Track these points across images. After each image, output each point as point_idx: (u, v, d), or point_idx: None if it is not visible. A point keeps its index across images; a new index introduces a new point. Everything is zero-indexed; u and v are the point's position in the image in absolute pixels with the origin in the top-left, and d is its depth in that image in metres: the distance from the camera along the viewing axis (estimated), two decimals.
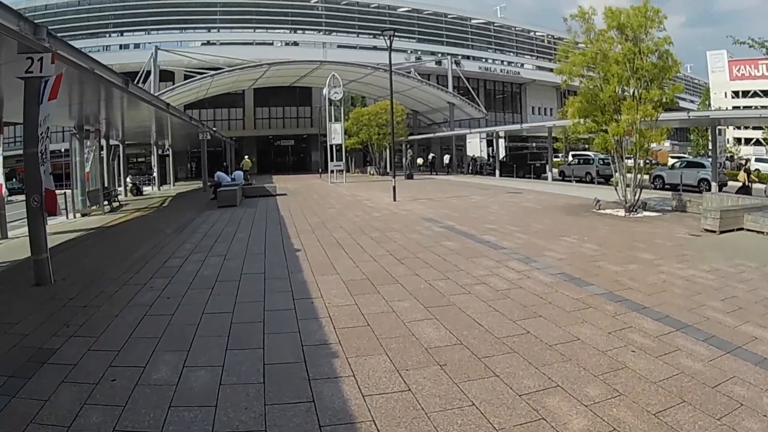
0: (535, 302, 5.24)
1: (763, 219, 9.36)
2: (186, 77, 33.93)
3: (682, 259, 7.23)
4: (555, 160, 34.78)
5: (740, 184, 17.93)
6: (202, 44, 41.88)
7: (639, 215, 11.93)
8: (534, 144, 51.86)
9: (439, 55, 48.37)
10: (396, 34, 17.48)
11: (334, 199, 17.49)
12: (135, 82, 34.40)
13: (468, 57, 51.87)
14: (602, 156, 31.85)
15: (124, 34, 41.91)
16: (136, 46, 41.04)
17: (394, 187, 16.05)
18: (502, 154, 37.04)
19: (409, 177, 29.87)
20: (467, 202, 15.21)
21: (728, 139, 49.78)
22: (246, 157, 35.25)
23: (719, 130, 24.40)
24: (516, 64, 56.37)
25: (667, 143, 47.11)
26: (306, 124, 46.87)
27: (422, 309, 5.04)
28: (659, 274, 6.38)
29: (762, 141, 38.78)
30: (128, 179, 25.25)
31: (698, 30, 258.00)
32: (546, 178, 27.66)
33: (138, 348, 4.12)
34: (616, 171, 12.69)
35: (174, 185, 30.89)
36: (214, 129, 32.49)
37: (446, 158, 38.97)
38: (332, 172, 26.95)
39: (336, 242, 8.82)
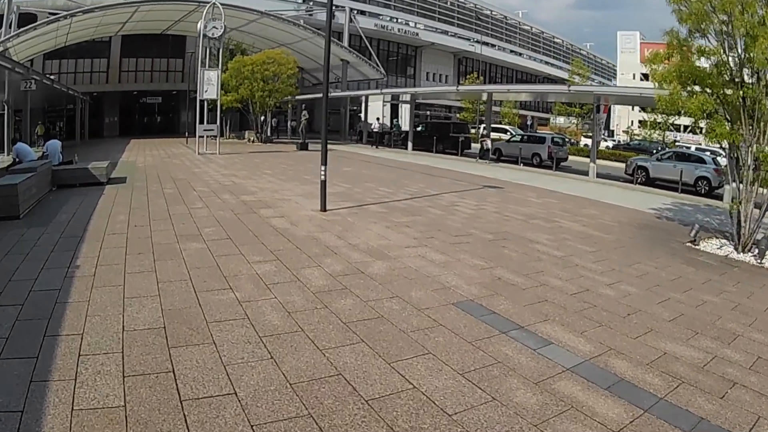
0: None
1: None
2: None
3: None
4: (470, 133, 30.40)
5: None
6: None
7: None
8: (442, 113, 48.43)
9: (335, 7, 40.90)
10: None
11: (204, 195, 9.88)
12: None
13: (363, 12, 45.77)
14: (555, 134, 26.87)
15: None
16: None
17: (323, 182, 8.67)
18: (407, 122, 31.52)
19: (303, 147, 23.37)
20: (463, 213, 9.06)
21: (632, 121, 49.51)
22: (39, 123, 26.26)
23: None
24: (414, 24, 50.84)
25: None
26: (177, 78, 38.74)
27: None
28: None
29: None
30: None
31: (585, 12, 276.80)
32: (474, 156, 22.75)
33: None
34: (732, 181, 7.67)
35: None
36: (52, 77, 24.12)
37: (292, 123, 33.76)
38: (202, 137, 20.04)
39: None
